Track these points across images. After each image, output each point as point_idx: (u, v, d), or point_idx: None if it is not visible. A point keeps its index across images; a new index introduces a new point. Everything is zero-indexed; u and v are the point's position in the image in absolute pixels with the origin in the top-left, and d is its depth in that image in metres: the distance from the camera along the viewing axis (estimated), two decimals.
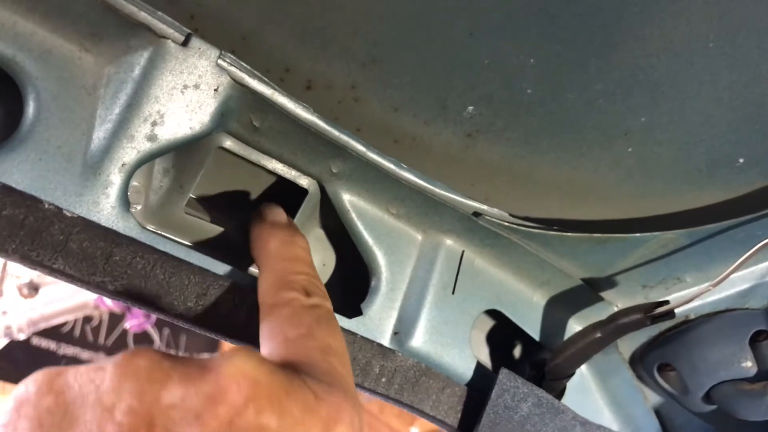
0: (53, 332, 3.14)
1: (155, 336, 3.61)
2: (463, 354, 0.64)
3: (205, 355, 0.38)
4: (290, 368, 0.40)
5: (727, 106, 0.55)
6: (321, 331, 0.45)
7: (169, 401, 0.33)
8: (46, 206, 0.45)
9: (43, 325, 2.52)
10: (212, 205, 0.60)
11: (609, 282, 0.69)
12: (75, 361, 3.36)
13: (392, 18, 0.50)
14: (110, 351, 3.47)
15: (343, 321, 0.58)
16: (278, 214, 0.57)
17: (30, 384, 0.35)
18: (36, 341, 3.24)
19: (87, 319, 3.36)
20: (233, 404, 0.33)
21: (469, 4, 0.48)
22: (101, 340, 3.48)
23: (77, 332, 3.43)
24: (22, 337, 2.46)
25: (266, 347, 0.45)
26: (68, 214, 0.45)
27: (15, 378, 3.13)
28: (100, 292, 0.47)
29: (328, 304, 0.49)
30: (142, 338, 3.53)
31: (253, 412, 0.33)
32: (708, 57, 0.52)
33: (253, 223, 0.56)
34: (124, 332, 3.43)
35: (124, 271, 0.47)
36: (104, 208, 0.47)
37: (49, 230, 0.44)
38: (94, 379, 0.34)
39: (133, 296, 0.48)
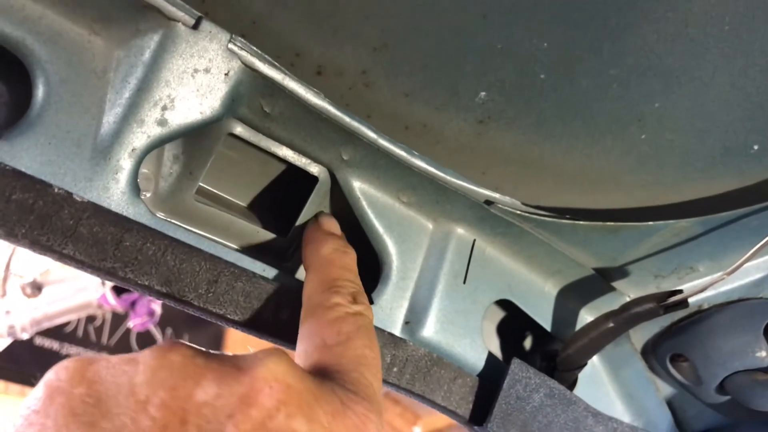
0: (56, 332, 3.14)
1: (158, 335, 3.61)
2: (474, 344, 0.63)
3: (235, 353, 0.38)
4: (321, 374, 0.41)
5: (742, 92, 0.55)
6: (359, 340, 0.46)
7: (202, 399, 0.33)
8: (56, 191, 0.44)
9: (46, 325, 2.52)
10: (222, 194, 0.59)
11: (621, 272, 0.68)
12: None
13: (404, 2, 0.49)
14: (113, 350, 3.47)
15: None
16: (334, 224, 0.58)
17: (62, 372, 0.35)
18: (39, 341, 3.24)
19: (90, 319, 3.36)
20: (265, 407, 0.34)
21: None
22: (104, 339, 3.48)
23: (80, 332, 3.43)
24: (25, 336, 2.46)
25: (302, 346, 0.47)
26: (78, 199, 0.45)
27: (18, 378, 3.13)
28: (110, 278, 0.46)
29: (371, 315, 0.50)
30: (145, 337, 3.53)
31: (284, 416, 0.34)
32: (723, 41, 0.51)
33: (309, 228, 0.57)
34: (127, 332, 3.43)
35: (135, 256, 0.47)
36: (114, 194, 0.46)
37: (59, 215, 0.44)
38: (127, 371, 0.34)
39: (143, 283, 0.47)
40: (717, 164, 0.60)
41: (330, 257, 0.53)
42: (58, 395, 0.33)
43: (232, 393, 0.34)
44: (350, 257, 0.55)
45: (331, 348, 0.45)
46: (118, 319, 3.34)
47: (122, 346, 3.51)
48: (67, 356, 3.32)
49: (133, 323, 2.86)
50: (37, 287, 2.34)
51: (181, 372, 0.34)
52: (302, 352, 0.46)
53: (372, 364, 0.45)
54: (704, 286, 0.59)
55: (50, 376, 0.35)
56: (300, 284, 0.55)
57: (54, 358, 3.30)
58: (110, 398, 0.33)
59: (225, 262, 0.51)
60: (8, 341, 2.41)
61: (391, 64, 0.53)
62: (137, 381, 0.33)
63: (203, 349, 0.37)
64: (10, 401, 3.11)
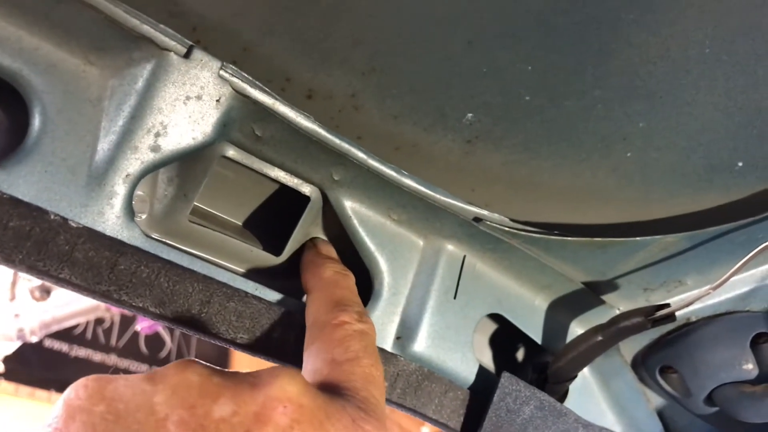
0: (65, 334, 3.16)
1: (167, 338, 3.64)
2: (465, 358, 0.64)
3: (249, 371, 0.40)
4: (331, 390, 0.42)
5: (725, 112, 0.56)
6: (367, 359, 0.47)
7: (219, 416, 0.35)
8: (52, 217, 0.46)
9: (55, 328, 2.54)
10: (216, 213, 0.60)
11: (610, 285, 0.69)
12: (87, 363, 3.39)
13: (391, 28, 0.50)
14: (122, 353, 3.50)
15: None
16: (332, 249, 0.61)
17: (81, 391, 0.36)
18: (48, 343, 3.27)
19: (99, 321, 3.39)
20: (279, 425, 0.35)
21: (468, 14, 0.49)
22: (113, 341, 3.51)
23: (89, 334, 3.45)
24: (34, 339, 2.48)
25: (311, 363, 0.48)
26: (74, 225, 0.46)
27: (28, 380, 3.16)
28: (105, 301, 0.48)
29: (374, 334, 0.52)
30: (154, 340, 3.56)
31: None
32: (704, 63, 0.52)
33: (307, 252, 0.60)
34: (136, 334, 3.46)
35: (129, 279, 0.48)
36: (109, 218, 0.48)
37: (55, 241, 0.45)
38: (146, 390, 0.36)
39: (138, 305, 0.48)
40: (702, 181, 0.61)
41: (333, 278, 0.55)
42: (79, 413, 0.35)
43: (247, 411, 0.35)
44: (351, 279, 0.57)
45: (341, 365, 0.46)
46: (127, 321, 3.37)
47: (131, 349, 3.54)
48: (75, 359, 3.35)
49: (142, 326, 2.88)
50: (45, 290, 2.36)
51: (199, 390, 0.36)
52: (311, 371, 0.47)
53: (378, 383, 0.46)
54: (692, 299, 0.60)
55: (69, 394, 0.36)
56: (292, 303, 0.56)
57: (63, 360, 3.33)
58: (130, 416, 0.35)
59: (217, 283, 0.52)
60: (17, 344, 2.44)
61: (379, 87, 0.54)
62: (157, 400, 0.35)
63: (218, 367, 0.38)
64: (20, 403, 3.14)
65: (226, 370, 0.39)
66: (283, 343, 0.54)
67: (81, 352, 3.42)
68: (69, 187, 0.47)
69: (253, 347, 0.53)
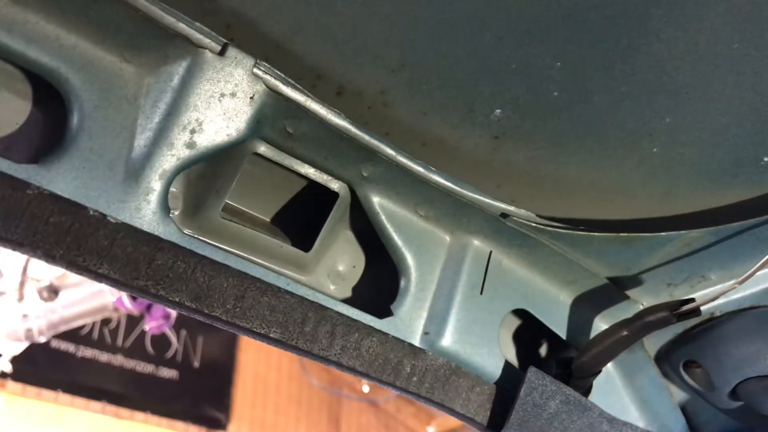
0: (72, 335, 3.17)
1: (173, 338, 3.65)
2: (491, 353, 0.65)
3: None
4: None
5: (752, 107, 0.56)
6: None
7: None
8: (91, 213, 0.46)
9: (62, 328, 2.54)
10: (246, 210, 0.61)
11: (634, 280, 0.70)
12: (93, 363, 3.40)
13: (421, 25, 0.51)
14: (128, 353, 3.51)
15: (374, 321, 0.59)
16: None
17: None
18: (55, 343, 3.28)
19: (105, 322, 3.40)
20: None
21: (498, 10, 0.49)
22: (119, 342, 3.52)
23: (96, 334, 3.46)
24: (42, 340, 2.48)
25: None
26: (112, 220, 0.47)
27: (35, 380, 3.17)
28: (142, 296, 0.48)
29: None
30: (160, 340, 3.57)
31: None
32: (732, 59, 0.52)
33: None
34: (143, 334, 3.47)
35: (166, 274, 0.49)
36: (146, 214, 0.48)
37: (95, 236, 0.46)
38: None
39: (174, 299, 0.49)
40: (727, 176, 0.61)
41: None
42: None
43: None
44: None
45: None
46: (133, 321, 3.38)
47: (137, 349, 3.54)
48: (82, 359, 3.36)
49: (149, 326, 2.88)
50: (53, 291, 2.36)
51: None
52: None
53: None
54: (716, 294, 0.60)
55: None
56: (322, 298, 0.56)
57: (70, 360, 3.35)
58: None
59: (251, 278, 0.53)
60: (26, 344, 2.44)
61: (409, 84, 0.55)
62: None
63: None
64: (27, 403, 3.15)
65: None
66: (314, 338, 0.55)
67: (88, 352, 3.43)
68: (107, 183, 0.47)
69: (285, 342, 0.54)
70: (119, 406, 3.42)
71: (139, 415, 3.46)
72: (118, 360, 3.54)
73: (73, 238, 0.45)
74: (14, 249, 0.44)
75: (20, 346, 2.45)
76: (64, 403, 3.28)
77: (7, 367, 2.49)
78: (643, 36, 0.51)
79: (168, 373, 3.65)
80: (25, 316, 2.34)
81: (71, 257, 0.45)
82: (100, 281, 0.47)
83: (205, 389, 3.68)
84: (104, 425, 3.36)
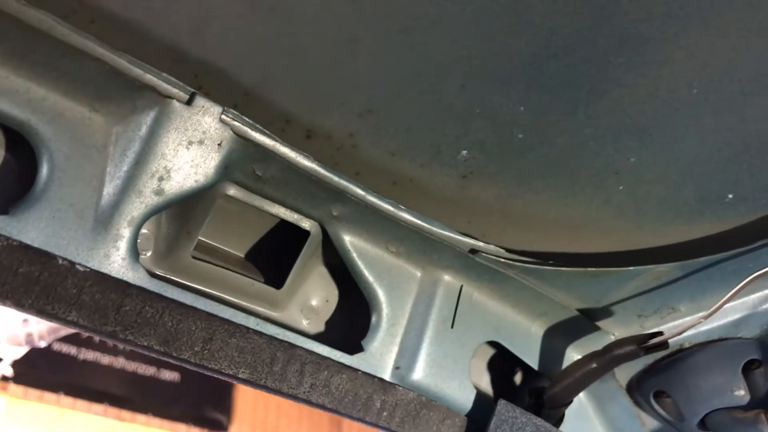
0: (73, 337, 3.18)
1: None
2: (462, 385, 0.66)
3: None
4: None
5: (714, 147, 0.57)
6: None
7: None
8: (60, 262, 0.47)
9: (63, 332, 2.55)
10: (219, 246, 0.62)
11: (605, 312, 0.71)
12: (95, 365, 3.42)
13: (387, 73, 0.52)
14: (129, 355, 3.52)
15: (345, 357, 0.60)
16: None
17: None
18: (56, 346, 3.29)
19: None
20: None
21: (460, 59, 0.50)
22: (121, 344, 3.52)
23: (97, 337, 3.47)
24: (43, 344, 2.50)
25: None
26: (81, 269, 0.48)
27: (37, 384, 3.18)
28: (112, 340, 0.49)
29: None
30: None
31: None
32: (692, 103, 0.53)
33: None
34: None
35: (134, 320, 0.50)
36: (115, 261, 0.50)
37: (63, 285, 0.47)
38: None
39: (143, 344, 0.50)
40: (694, 212, 0.63)
41: None
42: None
43: None
44: None
45: None
46: None
47: (138, 352, 3.55)
48: (84, 362, 3.38)
49: None
50: None
51: None
52: None
53: None
54: (684, 327, 0.61)
55: None
56: (292, 336, 0.58)
57: (71, 363, 3.36)
58: None
59: (220, 320, 0.54)
60: (26, 349, 2.45)
61: (376, 127, 0.56)
62: None
63: None
64: (29, 406, 3.17)
65: None
66: (283, 377, 0.56)
67: (89, 355, 3.44)
68: (76, 232, 0.49)
69: (254, 382, 0.55)
70: (121, 408, 3.42)
71: (141, 418, 3.47)
72: (120, 362, 3.54)
73: (42, 287, 0.46)
74: None
75: (21, 351, 2.47)
76: (66, 405, 3.28)
77: (9, 371, 2.51)
78: (604, 82, 0.52)
79: (170, 375, 3.65)
80: (25, 320, 2.36)
81: (40, 306, 0.47)
82: (69, 327, 0.48)
83: (207, 391, 3.68)
84: (106, 428, 3.37)
